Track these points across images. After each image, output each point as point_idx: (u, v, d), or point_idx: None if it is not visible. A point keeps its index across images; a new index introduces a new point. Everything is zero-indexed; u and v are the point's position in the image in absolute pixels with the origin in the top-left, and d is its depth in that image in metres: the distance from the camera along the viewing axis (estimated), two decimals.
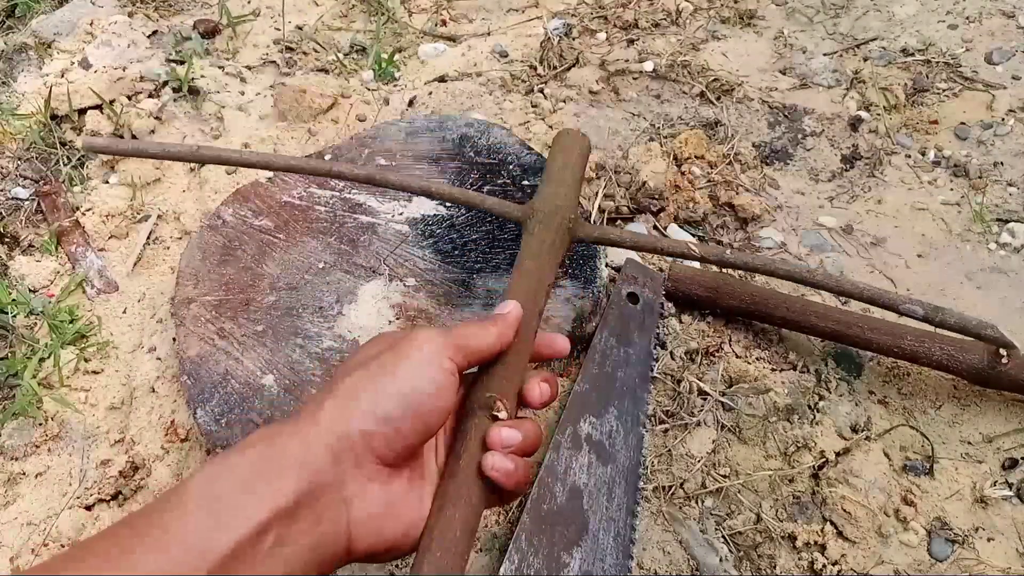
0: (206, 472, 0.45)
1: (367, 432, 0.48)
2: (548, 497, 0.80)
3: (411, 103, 1.31)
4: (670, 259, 1.07)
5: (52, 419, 0.94)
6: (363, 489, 0.48)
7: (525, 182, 1.02)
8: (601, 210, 1.11)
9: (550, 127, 1.23)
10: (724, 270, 1.05)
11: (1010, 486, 0.85)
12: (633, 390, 0.89)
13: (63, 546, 0.86)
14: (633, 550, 0.78)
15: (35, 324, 1.03)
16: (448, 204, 1.01)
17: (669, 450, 0.88)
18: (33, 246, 1.14)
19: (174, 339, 0.97)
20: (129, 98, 1.30)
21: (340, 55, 1.40)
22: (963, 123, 1.22)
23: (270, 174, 1.08)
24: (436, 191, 0.73)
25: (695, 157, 1.16)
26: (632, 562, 0.78)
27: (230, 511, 0.42)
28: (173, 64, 1.35)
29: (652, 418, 0.90)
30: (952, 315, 0.71)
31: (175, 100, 1.30)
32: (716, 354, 0.96)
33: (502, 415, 0.54)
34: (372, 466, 0.49)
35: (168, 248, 1.12)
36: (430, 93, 1.31)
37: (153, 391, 0.96)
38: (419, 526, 0.52)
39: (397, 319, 0.91)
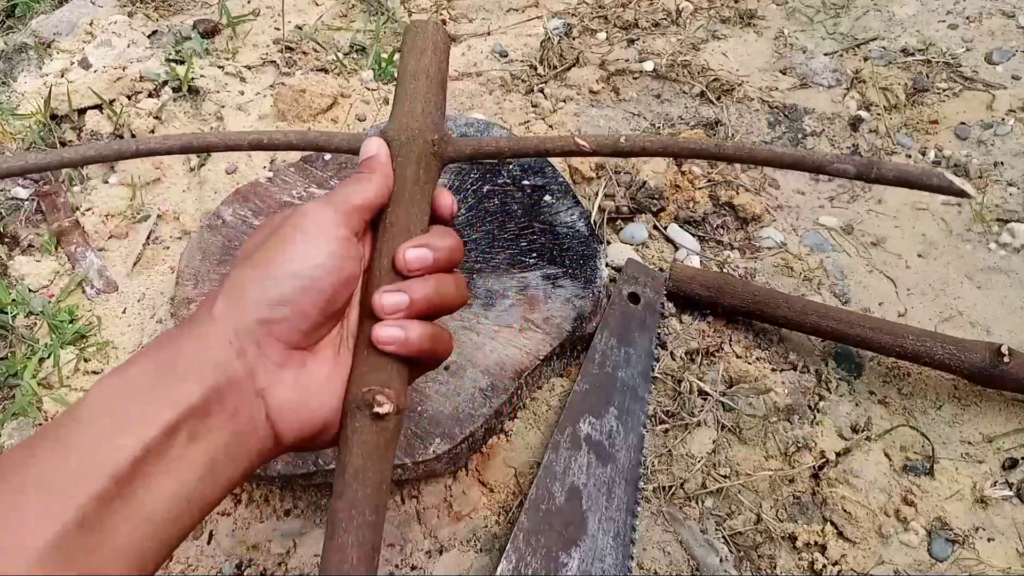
0: (100, 386, 0.43)
1: (265, 320, 0.46)
2: (547, 497, 0.80)
3: None
4: (671, 260, 1.07)
5: (52, 419, 0.94)
6: (276, 377, 0.46)
7: (525, 182, 1.02)
8: (601, 210, 1.11)
9: (550, 127, 1.23)
10: (724, 270, 1.05)
11: (1010, 486, 0.85)
12: (634, 389, 0.89)
13: None
14: (633, 550, 0.78)
15: (35, 324, 1.03)
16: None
17: (669, 450, 0.88)
18: (33, 246, 1.14)
19: None
20: (129, 98, 1.30)
21: (340, 55, 1.40)
22: (963, 123, 1.22)
23: (270, 174, 1.08)
24: (269, 141, 0.63)
25: None
26: (632, 562, 0.78)
27: (133, 417, 0.41)
28: (173, 64, 1.35)
29: (652, 418, 0.90)
30: (888, 166, 0.60)
31: (175, 100, 1.30)
32: (716, 354, 0.96)
33: (384, 409, 0.48)
34: (282, 352, 0.47)
35: (168, 248, 1.12)
36: None
37: None
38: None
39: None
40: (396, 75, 0.66)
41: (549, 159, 1.07)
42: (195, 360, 0.44)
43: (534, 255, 0.95)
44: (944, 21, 1.40)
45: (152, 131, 1.25)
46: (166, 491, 0.41)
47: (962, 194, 0.59)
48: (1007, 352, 0.85)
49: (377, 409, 0.48)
